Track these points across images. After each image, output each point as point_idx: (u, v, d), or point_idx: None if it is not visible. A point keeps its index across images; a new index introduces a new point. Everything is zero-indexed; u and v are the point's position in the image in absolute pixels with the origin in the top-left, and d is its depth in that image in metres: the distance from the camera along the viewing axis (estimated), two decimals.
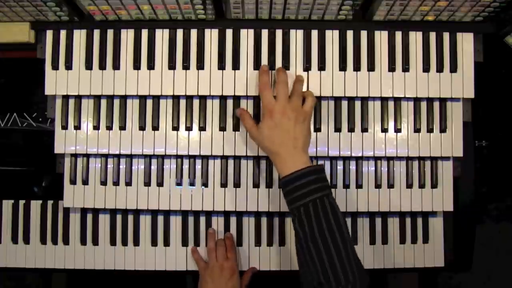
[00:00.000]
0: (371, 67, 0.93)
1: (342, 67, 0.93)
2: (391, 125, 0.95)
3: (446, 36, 0.94)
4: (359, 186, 0.96)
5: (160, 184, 0.96)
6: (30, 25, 0.93)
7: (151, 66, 0.93)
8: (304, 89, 0.92)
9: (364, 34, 0.93)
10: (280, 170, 0.83)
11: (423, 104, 0.95)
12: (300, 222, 0.78)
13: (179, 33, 0.93)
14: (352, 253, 0.75)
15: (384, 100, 0.95)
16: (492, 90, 1.14)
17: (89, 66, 0.93)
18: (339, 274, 0.71)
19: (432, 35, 0.94)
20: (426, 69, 0.93)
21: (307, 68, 0.93)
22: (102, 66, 0.93)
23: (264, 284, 1.00)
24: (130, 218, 0.99)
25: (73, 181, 0.96)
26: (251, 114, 0.94)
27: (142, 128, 0.94)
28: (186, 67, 0.93)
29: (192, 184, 0.96)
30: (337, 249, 0.73)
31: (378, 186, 0.96)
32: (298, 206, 0.78)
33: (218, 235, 0.99)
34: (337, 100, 0.95)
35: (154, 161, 0.97)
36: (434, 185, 0.96)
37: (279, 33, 0.93)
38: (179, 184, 0.96)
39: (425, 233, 0.99)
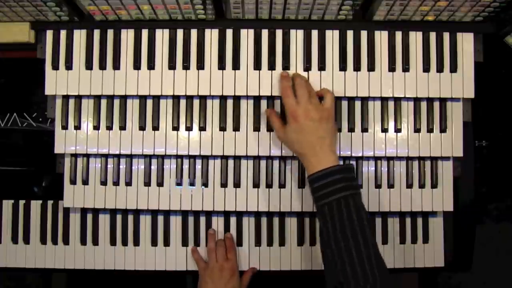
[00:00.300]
0: (371, 67, 0.93)
1: (342, 67, 0.93)
2: (391, 125, 0.95)
3: (446, 36, 0.94)
4: (359, 186, 0.96)
5: (160, 184, 0.96)
6: (30, 25, 0.93)
7: (151, 66, 0.93)
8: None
9: (364, 34, 0.93)
10: (308, 169, 0.84)
11: (423, 104, 0.95)
12: (324, 220, 0.78)
13: (179, 33, 0.93)
14: (375, 255, 0.74)
15: (384, 100, 0.95)
16: (492, 90, 1.14)
17: (89, 66, 0.93)
18: (358, 274, 0.71)
19: (432, 35, 0.94)
20: (426, 69, 0.93)
21: (307, 68, 0.93)
22: (102, 66, 0.93)
23: (264, 284, 1.00)
24: (130, 218, 0.99)
25: (73, 181, 0.96)
26: (253, 115, 0.94)
27: (142, 128, 0.94)
28: (186, 67, 0.93)
29: (192, 184, 0.96)
30: (357, 249, 0.73)
31: (378, 186, 0.96)
32: (322, 204, 0.79)
33: (218, 235, 0.99)
34: (337, 100, 0.95)
35: (154, 161, 0.97)
36: (434, 185, 0.96)
37: (279, 33, 0.93)
38: (179, 184, 0.96)
39: (425, 233, 0.99)
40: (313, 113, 0.84)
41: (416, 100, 0.95)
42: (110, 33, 0.94)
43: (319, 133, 0.83)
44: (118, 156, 0.97)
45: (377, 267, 0.73)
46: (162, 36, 0.93)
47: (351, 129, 0.94)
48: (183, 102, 0.95)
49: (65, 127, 0.95)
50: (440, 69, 0.93)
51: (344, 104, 0.95)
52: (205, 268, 0.95)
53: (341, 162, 0.95)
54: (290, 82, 0.89)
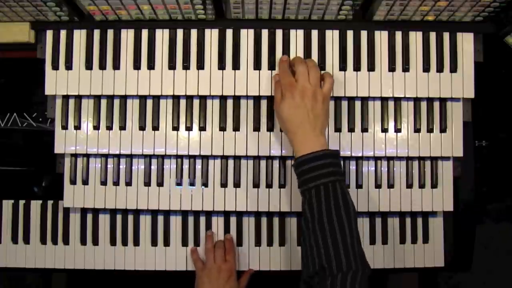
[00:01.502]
0: (371, 67, 0.93)
1: (342, 67, 0.93)
2: (391, 125, 0.95)
3: (446, 36, 0.94)
4: (359, 186, 0.96)
5: (160, 184, 0.96)
6: (30, 25, 0.93)
7: (151, 66, 0.93)
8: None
9: (364, 34, 0.93)
10: (296, 150, 0.82)
11: (423, 104, 0.95)
12: (309, 204, 0.77)
13: (179, 33, 0.93)
14: (357, 243, 0.74)
15: (384, 100, 0.95)
16: (492, 90, 1.14)
17: (89, 66, 0.93)
18: (342, 259, 0.71)
19: (432, 35, 0.94)
20: (426, 69, 0.93)
21: None
22: (102, 66, 0.93)
23: (264, 284, 1.00)
24: (130, 218, 0.99)
25: (73, 181, 0.96)
26: (253, 115, 0.94)
27: (142, 128, 0.94)
28: (186, 67, 0.93)
29: (192, 184, 0.96)
30: (343, 235, 0.73)
31: (378, 186, 0.96)
32: (309, 188, 0.78)
33: (218, 236, 0.99)
34: (337, 100, 0.95)
35: (154, 161, 0.97)
36: (434, 185, 0.96)
37: (279, 33, 0.93)
38: (179, 184, 0.96)
39: (425, 233, 0.99)
40: (309, 91, 0.83)
41: (416, 100, 0.95)
42: (110, 33, 0.94)
43: (313, 113, 0.82)
44: (118, 156, 0.97)
45: (359, 256, 0.73)
46: (162, 36, 0.93)
47: (351, 129, 0.94)
48: (183, 102, 0.95)
49: (65, 127, 0.95)
50: (440, 69, 0.93)
51: (344, 104, 0.95)
52: (203, 268, 0.95)
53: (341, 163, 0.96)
54: (288, 63, 0.89)
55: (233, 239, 0.99)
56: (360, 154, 0.94)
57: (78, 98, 0.95)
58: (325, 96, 0.85)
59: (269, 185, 0.96)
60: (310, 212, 0.77)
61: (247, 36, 0.93)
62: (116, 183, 0.96)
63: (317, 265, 0.72)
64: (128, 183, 0.96)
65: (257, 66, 0.93)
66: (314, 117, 0.82)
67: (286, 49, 0.93)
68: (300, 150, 0.81)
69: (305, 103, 0.82)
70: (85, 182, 0.96)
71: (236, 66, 0.93)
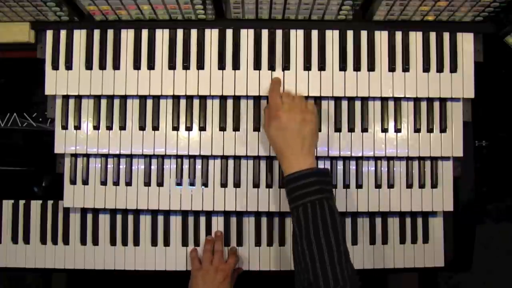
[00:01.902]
0: (371, 67, 0.93)
1: (342, 67, 0.93)
2: (391, 125, 0.95)
3: (446, 36, 0.94)
4: (359, 186, 0.96)
5: (160, 184, 0.96)
6: (30, 25, 0.93)
7: (151, 66, 0.93)
8: (305, 89, 0.92)
9: (364, 34, 0.93)
10: (284, 169, 0.84)
11: (423, 104, 0.95)
12: (297, 221, 0.78)
13: (179, 33, 0.93)
14: (345, 258, 0.75)
15: (384, 100, 0.95)
16: (492, 90, 1.14)
17: (89, 66, 0.93)
18: (328, 276, 0.72)
19: (432, 35, 0.94)
20: (426, 69, 0.93)
21: (307, 68, 0.93)
22: (102, 66, 0.93)
23: (263, 284, 1.00)
24: (130, 218, 0.99)
25: (73, 181, 0.96)
26: (253, 115, 0.94)
27: (142, 128, 0.94)
28: (186, 67, 0.93)
29: (192, 184, 0.96)
30: (330, 251, 0.74)
31: (378, 186, 0.96)
32: (297, 206, 0.79)
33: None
34: (337, 100, 0.95)
35: (154, 161, 0.97)
36: (434, 185, 0.96)
37: (279, 33, 0.93)
38: (179, 184, 0.96)
39: (425, 233, 0.99)
40: (296, 113, 0.84)
41: (416, 100, 0.95)
42: (110, 33, 0.94)
43: (300, 133, 0.83)
44: (118, 156, 0.97)
45: (347, 271, 0.73)
46: (162, 36, 0.93)
47: (351, 129, 0.94)
48: (183, 102, 0.95)
49: (65, 127, 0.95)
50: (440, 69, 0.93)
51: (344, 104, 0.95)
52: (199, 268, 0.95)
53: (341, 163, 0.96)
54: (279, 84, 0.91)
55: (231, 243, 0.99)
56: (360, 154, 0.94)
57: (78, 98, 0.95)
58: (310, 115, 0.86)
59: (269, 185, 0.96)
60: (298, 229, 0.78)
61: (247, 36, 0.93)
62: (116, 183, 0.96)
63: (306, 280, 0.73)
64: (128, 183, 0.96)
65: (257, 66, 0.93)
66: (301, 138, 0.83)
67: (286, 49, 0.93)
68: (288, 169, 0.83)
69: (291, 125, 0.83)
70: (85, 182, 0.96)
71: (236, 66, 0.93)
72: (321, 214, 0.77)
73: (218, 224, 0.99)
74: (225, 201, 0.96)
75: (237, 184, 0.96)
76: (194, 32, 0.93)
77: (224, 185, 0.96)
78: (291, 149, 0.83)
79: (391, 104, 0.95)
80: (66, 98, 0.95)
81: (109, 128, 0.95)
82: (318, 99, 0.95)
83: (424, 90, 0.93)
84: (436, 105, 0.95)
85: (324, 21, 0.93)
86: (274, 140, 0.85)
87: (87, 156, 0.97)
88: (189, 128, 0.94)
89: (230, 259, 0.96)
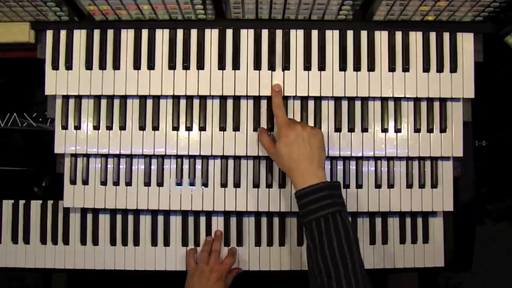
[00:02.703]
0: (371, 67, 0.93)
1: (342, 67, 0.93)
2: (391, 125, 0.95)
3: (446, 36, 0.94)
4: (359, 186, 0.96)
5: (160, 184, 0.96)
6: (30, 25, 0.93)
7: (151, 66, 0.93)
8: (305, 89, 0.92)
9: (364, 34, 0.93)
10: (295, 184, 0.84)
11: (423, 104, 0.95)
12: (311, 235, 0.78)
13: (179, 33, 0.93)
14: (360, 271, 0.74)
15: (384, 100, 0.95)
16: (492, 90, 1.14)
17: (89, 66, 0.93)
18: (343, 286, 0.72)
19: (432, 35, 0.94)
20: (426, 69, 0.93)
21: (307, 68, 0.93)
22: (102, 66, 0.93)
23: (263, 284, 1.00)
24: (130, 218, 0.99)
25: (73, 181, 0.96)
26: (253, 115, 0.94)
27: (142, 128, 0.94)
28: (186, 67, 0.93)
29: (192, 184, 0.96)
30: (344, 264, 0.74)
31: (378, 186, 0.96)
32: (310, 220, 0.79)
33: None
34: (337, 100, 0.95)
35: (154, 161, 0.97)
36: (434, 185, 0.96)
37: (279, 33, 0.93)
38: (179, 184, 0.96)
39: (425, 233, 0.99)
40: (304, 127, 0.85)
41: (416, 100, 0.95)
42: (110, 33, 0.94)
43: (309, 148, 0.84)
44: (118, 156, 0.97)
45: (363, 282, 0.73)
46: (162, 36, 0.93)
47: (351, 129, 0.94)
48: (183, 102, 0.95)
49: (65, 127, 0.95)
50: (440, 69, 0.93)
51: (344, 104, 0.95)
52: (195, 268, 0.95)
53: (341, 163, 0.96)
54: (281, 97, 0.90)
55: (231, 243, 0.98)
56: (360, 154, 0.94)
57: (78, 98, 0.95)
58: (317, 131, 0.87)
59: (269, 185, 0.96)
60: (312, 243, 0.78)
61: (247, 36, 0.93)
62: (116, 183, 0.96)
63: None
64: (128, 183, 0.96)
65: (257, 66, 0.93)
66: (311, 152, 0.83)
67: (286, 49, 0.93)
68: (299, 184, 0.82)
69: (301, 139, 0.84)
70: (85, 182, 0.96)
71: (236, 66, 0.93)
72: (334, 228, 0.77)
73: (218, 224, 0.99)
74: (225, 201, 0.96)
75: (237, 184, 0.96)
76: (194, 32, 0.93)
77: (224, 185, 0.96)
78: (302, 163, 0.83)
79: (391, 104, 0.95)
80: (66, 98, 0.95)
81: (109, 128, 0.95)
82: (318, 99, 0.95)
83: (424, 90, 0.93)
84: (436, 105, 0.95)
85: (324, 21, 0.93)
86: (285, 157, 0.85)
87: (87, 156, 0.97)
88: (189, 128, 0.94)
89: (226, 259, 0.96)
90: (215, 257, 0.95)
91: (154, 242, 0.99)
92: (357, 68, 0.93)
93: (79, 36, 0.94)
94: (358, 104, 0.95)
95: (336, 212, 0.78)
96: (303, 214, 0.81)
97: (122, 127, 0.94)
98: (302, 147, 0.84)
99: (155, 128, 0.94)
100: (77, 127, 0.95)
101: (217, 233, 0.98)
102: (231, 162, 0.97)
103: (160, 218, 0.99)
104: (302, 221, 0.82)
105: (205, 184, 0.96)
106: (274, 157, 0.89)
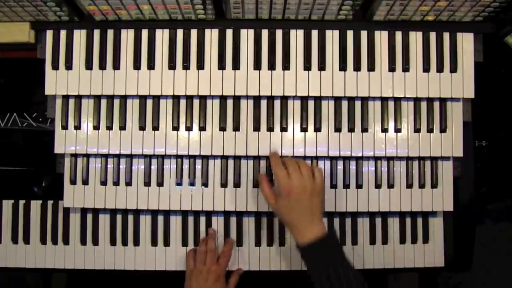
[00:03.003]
0: (371, 67, 0.93)
1: (342, 67, 0.93)
2: (391, 125, 0.95)
3: (446, 36, 0.94)
4: (359, 186, 0.96)
5: (160, 184, 0.96)
6: (30, 25, 0.93)
7: (151, 66, 0.93)
8: (305, 89, 0.92)
9: (364, 34, 0.93)
10: (295, 238, 0.86)
11: (423, 104, 0.95)
12: (320, 285, 0.81)
13: (179, 33, 0.93)
14: None
15: (384, 100, 0.95)
16: (492, 90, 1.14)
17: (89, 66, 0.93)
18: None
19: (432, 35, 0.94)
20: (426, 69, 0.93)
21: (307, 68, 0.93)
22: (102, 66, 0.93)
23: (262, 285, 1.00)
24: (130, 218, 0.99)
25: (73, 181, 0.96)
26: (252, 115, 0.94)
27: (142, 128, 0.94)
28: (186, 67, 0.93)
29: (192, 184, 0.96)
30: None
31: (378, 186, 0.96)
32: (313, 275, 0.82)
33: (218, 236, 0.99)
34: (337, 100, 0.95)
35: (154, 161, 0.97)
36: (434, 185, 0.96)
37: (279, 33, 0.93)
38: (179, 184, 0.96)
39: (425, 233, 0.99)
40: (304, 188, 0.85)
41: (416, 100, 0.95)
42: (110, 33, 0.94)
43: (310, 207, 0.86)
44: (118, 156, 0.97)
45: None
46: (162, 36, 0.93)
47: (351, 129, 0.94)
48: (183, 102, 0.95)
49: (65, 127, 0.95)
50: (440, 69, 0.93)
51: (344, 104, 0.95)
52: (193, 269, 0.95)
53: (341, 163, 0.96)
54: (279, 158, 0.90)
55: (234, 242, 0.98)
56: (360, 154, 0.94)
57: (78, 98, 0.95)
58: (320, 187, 0.88)
59: None
60: None
61: (247, 36, 0.93)
62: (116, 183, 0.96)
63: None
64: (128, 183, 0.96)
65: (257, 66, 0.93)
66: (311, 211, 0.85)
67: (286, 49, 0.93)
68: (299, 239, 0.85)
69: (301, 202, 0.85)
70: (85, 182, 0.96)
71: (236, 66, 0.93)
72: (337, 281, 0.79)
73: (218, 224, 0.99)
74: (225, 201, 0.96)
75: (237, 184, 0.96)
76: (194, 32, 0.93)
77: (224, 185, 0.96)
78: (302, 222, 0.85)
79: (391, 104, 0.95)
80: (66, 98, 0.96)
81: (109, 128, 0.95)
82: (318, 99, 0.95)
83: (424, 90, 0.93)
84: (436, 105, 0.95)
85: (324, 21, 0.93)
86: (286, 215, 0.87)
87: (87, 156, 0.97)
88: (189, 128, 0.94)
89: (220, 259, 0.95)
90: (212, 257, 0.95)
91: (154, 242, 0.99)
92: (357, 68, 0.93)
93: (79, 36, 0.94)
94: (358, 104, 0.95)
95: (337, 266, 0.81)
96: (308, 268, 0.84)
97: (122, 127, 0.94)
98: (303, 207, 0.85)
99: (155, 128, 0.94)
100: (77, 127, 0.95)
101: (210, 231, 0.98)
102: (231, 162, 0.97)
103: (160, 218, 0.99)
104: (308, 273, 0.84)
105: (205, 184, 0.96)
106: (274, 209, 0.90)
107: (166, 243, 0.99)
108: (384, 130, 0.94)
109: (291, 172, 0.86)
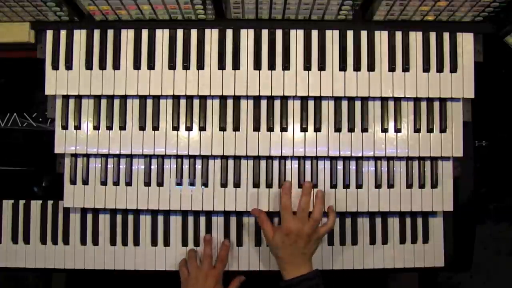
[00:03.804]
0: (371, 67, 0.93)
1: (342, 67, 0.93)
2: (391, 125, 0.95)
3: (446, 36, 0.94)
4: (359, 186, 0.96)
5: (160, 184, 0.96)
6: (30, 25, 0.93)
7: (151, 66, 0.93)
8: (305, 89, 0.92)
9: (364, 34, 0.93)
10: (283, 273, 0.89)
11: (423, 104, 0.95)
12: None
13: (179, 33, 0.93)
14: None
15: (384, 100, 0.95)
16: (492, 90, 1.14)
17: (89, 66, 0.93)
18: None
19: (432, 35, 0.94)
20: (426, 69, 0.93)
21: (307, 68, 0.93)
22: (102, 66, 0.93)
23: (263, 284, 1.00)
24: (130, 218, 0.99)
25: (73, 181, 0.96)
26: (253, 115, 0.94)
27: (142, 128, 0.94)
28: (186, 67, 0.93)
29: (192, 184, 0.96)
30: None
31: (378, 186, 0.96)
32: None
33: (218, 236, 0.99)
34: (337, 100, 0.95)
35: (154, 161, 0.97)
36: (434, 185, 0.96)
37: (279, 33, 0.93)
38: (179, 184, 0.96)
39: (425, 233, 0.99)
40: (305, 235, 0.88)
41: (416, 100, 0.95)
42: (110, 33, 0.94)
43: (305, 250, 0.88)
44: (118, 156, 0.97)
45: None
46: (162, 36, 0.93)
47: (351, 129, 0.94)
48: (183, 102, 0.95)
49: (65, 127, 0.95)
50: (440, 69, 0.93)
51: (344, 104, 0.95)
52: (187, 278, 0.94)
53: (341, 163, 0.96)
54: (290, 198, 0.91)
55: (230, 245, 0.98)
56: (360, 154, 0.94)
57: (78, 98, 0.95)
58: (320, 236, 0.90)
59: (269, 185, 0.96)
60: None
61: (247, 36, 0.93)
62: (116, 183, 0.96)
63: None
64: (128, 183, 0.96)
65: (257, 66, 0.93)
66: (304, 253, 0.88)
67: (286, 49, 0.93)
68: (285, 275, 0.88)
69: (298, 243, 0.88)
70: (85, 182, 0.96)
71: (236, 66, 0.93)
72: None
73: (218, 224, 0.99)
74: (225, 201, 0.96)
75: (237, 184, 0.96)
76: (194, 32, 0.93)
77: (224, 185, 0.96)
78: (292, 261, 0.88)
79: (391, 104, 0.95)
80: (66, 98, 0.96)
81: (109, 128, 0.95)
82: (318, 99, 0.95)
83: (424, 90, 0.93)
84: (436, 105, 0.95)
85: (324, 21, 0.93)
86: (279, 250, 0.89)
87: (87, 156, 0.97)
88: (189, 128, 0.94)
89: (218, 263, 0.95)
90: (208, 262, 0.94)
91: (154, 242, 0.99)
92: (357, 68, 0.93)
93: (79, 36, 0.94)
94: (358, 104, 0.95)
95: None
96: None
97: (122, 127, 0.94)
98: (297, 248, 0.88)
99: (155, 128, 0.94)
100: (77, 127, 0.95)
101: (206, 237, 0.97)
102: (231, 162, 0.97)
103: (160, 218, 0.99)
104: None
105: (205, 184, 0.96)
106: (270, 243, 0.92)
107: (166, 243, 0.99)
108: (384, 130, 0.94)
109: (299, 212, 0.90)
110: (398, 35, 0.94)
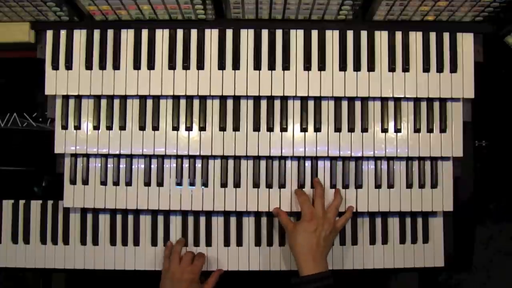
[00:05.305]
0: (371, 67, 0.93)
1: (342, 67, 0.93)
2: (391, 125, 0.95)
3: (446, 36, 0.94)
4: (359, 186, 0.96)
5: (160, 184, 0.96)
6: (30, 25, 0.93)
7: (151, 66, 0.93)
8: (305, 89, 0.92)
9: (364, 34, 0.93)
10: (300, 268, 0.89)
11: (423, 104, 0.95)
12: None
13: (179, 33, 0.93)
14: None
15: (384, 100, 0.95)
16: (492, 90, 1.14)
17: (89, 66, 0.93)
18: None
19: (432, 35, 0.94)
20: (426, 69, 0.93)
21: (307, 68, 0.93)
22: (102, 66, 0.93)
23: (264, 284, 1.00)
24: (130, 218, 0.99)
25: (73, 181, 0.96)
26: (253, 115, 0.94)
27: (142, 128, 0.94)
28: (186, 67, 0.93)
29: (192, 184, 0.96)
30: None
31: (378, 186, 0.96)
32: None
33: (218, 236, 0.99)
34: (337, 100, 0.95)
35: (154, 161, 0.97)
36: (434, 185, 0.96)
37: (279, 33, 0.93)
38: (179, 184, 0.96)
39: (425, 233, 0.99)
40: (326, 224, 0.90)
41: (416, 100, 0.95)
42: (110, 33, 0.94)
43: (322, 242, 0.89)
44: (118, 156, 0.97)
45: None
46: (162, 36, 0.93)
47: (351, 129, 0.94)
48: (183, 102, 0.95)
49: (65, 127, 0.95)
50: (440, 69, 0.93)
51: (344, 104, 0.95)
52: (167, 269, 0.94)
53: (341, 163, 0.96)
54: (306, 195, 0.94)
55: (231, 243, 0.98)
56: (360, 154, 0.94)
57: (78, 98, 0.95)
58: (337, 230, 0.93)
59: (269, 185, 0.96)
60: None
61: (247, 36, 0.93)
62: (116, 183, 0.96)
63: None
64: (128, 183, 0.96)
65: (257, 66, 0.93)
66: (323, 246, 0.89)
67: (286, 49, 0.93)
68: (303, 270, 0.88)
69: (318, 232, 0.89)
70: (85, 182, 0.96)
71: (236, 66, 0.93)
72: None
73: (218, 224, 0.99)
74: (225, 201, 0.96)
75: (237, 184, 0.96)
76: (194, 32, 0.93)
77: (224, 185, 0.96)
78: (311, 254, 0.88)
79: (391, 104, 0.95)
80: (66, 98, 0.96)
81: (109, 128, 0.95)
82: (318, 99, 0.95)
83: (424, 90, 0.93)
84: (436, 105, 0.95)
85: (324, 21, 0.93)
86: (299, 240, 0.89)
87: (87, 156, 0.97)
88: (189, 128, 0.94)
89: (196, 260, 0.95)
90: (187, 258, 0.94)
91: (154, 242, 0.99)
92: (357, 68, 0.93)
93: (79, 36, 0.94)
94: (358, 104, 0.95)
95: None
96: None
97: (122, 127, 0.94)
98: (316, 238, 0.89)
99: (155, 128, 0.94)
100: (77, 127, 0.95)
101: (180, 240, 0.98)
102: (231, 162, 0.97)
103: (160, 218, 0.99)
104: None
105: (205, 184, 0.96)
106: (289, 235, 0.92)
107: (166, 243, 0.99)
108: (384, 130, 0.94)
109: (317, 207, 0.91)
110: (398, 35, 0.94)
